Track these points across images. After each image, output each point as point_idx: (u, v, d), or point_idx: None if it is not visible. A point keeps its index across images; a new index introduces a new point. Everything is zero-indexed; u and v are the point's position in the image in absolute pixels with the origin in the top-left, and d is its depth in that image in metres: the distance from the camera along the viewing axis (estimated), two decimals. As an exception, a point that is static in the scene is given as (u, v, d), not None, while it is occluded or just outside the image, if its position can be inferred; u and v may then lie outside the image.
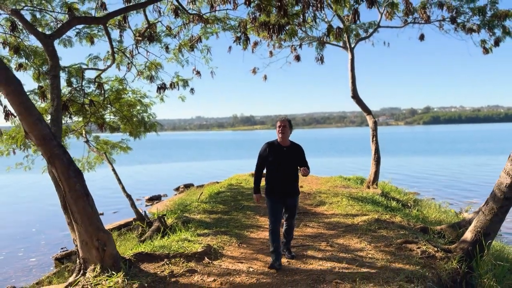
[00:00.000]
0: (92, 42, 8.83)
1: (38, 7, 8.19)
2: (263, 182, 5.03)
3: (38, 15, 8.52)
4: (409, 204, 10.88)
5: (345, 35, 11.68)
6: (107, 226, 6.68)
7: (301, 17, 8.36)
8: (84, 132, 10.30)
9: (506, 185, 4.87)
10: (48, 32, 8.02)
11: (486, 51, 11.44)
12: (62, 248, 10.20)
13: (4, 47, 8.59)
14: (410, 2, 10.96)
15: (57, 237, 11.43)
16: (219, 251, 5.53)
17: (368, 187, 11.94)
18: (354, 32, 12.49)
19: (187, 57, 10.08)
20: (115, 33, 9.22)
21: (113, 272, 4.30)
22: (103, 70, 9.12)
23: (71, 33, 8.41)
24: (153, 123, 10.39)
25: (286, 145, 4.91)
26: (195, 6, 8.69)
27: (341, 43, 12.58)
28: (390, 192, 11.95)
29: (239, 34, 9.09)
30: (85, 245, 4.50)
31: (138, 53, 9.58)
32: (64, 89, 8.82)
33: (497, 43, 11.16)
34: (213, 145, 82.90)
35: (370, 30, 12.45)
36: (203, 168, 32.86)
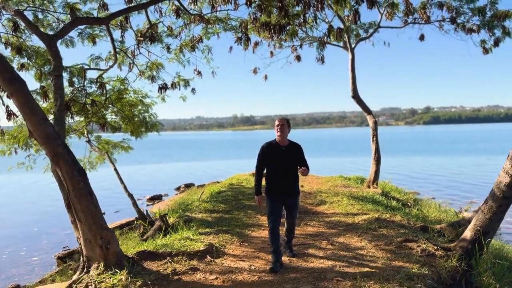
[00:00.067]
0: (94, 43, 8.88)
1: (41, 7, 8.24)
2: (264, 182, 5.04)
3: (40, 16, 8.59)
4: (409, 203, 10.93)
5: (345, 35, 11.73)
6: (109, 226, 6.73)
7: (302, 17, 8.41)
8: (85, 132, 10.35)
9: (505, 184, 4.92)
10: (50, 33, 8.07)
11: (486, 51, 11.49)
12: (64, 247, 10.25)
13: (6, 48, 8.64)
14: (410, 3, 11.01)
15: (59, 236, 11.49)
16: (221, 249, 5.58)
17: (369, 187, 11.99)
18: (354, 33, 12.54)
19: (188, 57, 10.12)
20: (116, 33, 9.27)
21: (117, 270, 4.35)
22: (105, 70, 9.18)
23: (73, 33, 8.47)
24: (154, 123, 10.45)
25: (284, 145, 4.90)
26: (196, 6, 8.73)
27: (341, 43, 12.63)
28: (390, 192, 12.00)
29: (240, 35, 9.14)
30: (89, 243, 4.55)
31: (140, 53, 9.63)
32: (66, 89, 8.87)
33: (496, 43, 11.20)
34: (213, 145, 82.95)
35: (371, 30, 12.51)
36: (203, 168, 32.92)
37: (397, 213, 7.70)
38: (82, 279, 4.42)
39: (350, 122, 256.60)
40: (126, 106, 10.00)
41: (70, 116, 9.19)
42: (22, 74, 9.69)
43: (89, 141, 10.41)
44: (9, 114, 8.40)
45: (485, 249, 5.05)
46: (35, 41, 8.91)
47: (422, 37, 12.18)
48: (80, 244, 4.81)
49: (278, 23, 8.11)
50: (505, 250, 6.59)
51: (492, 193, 5.10)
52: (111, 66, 9.08)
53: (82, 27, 8.56)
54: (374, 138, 12.24)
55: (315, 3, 7.50)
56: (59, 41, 7.75)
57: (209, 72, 10.32)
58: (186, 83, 10.33)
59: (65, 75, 8.88)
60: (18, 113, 8.54)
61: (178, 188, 20.07)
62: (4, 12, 7.36)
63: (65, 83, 8.89)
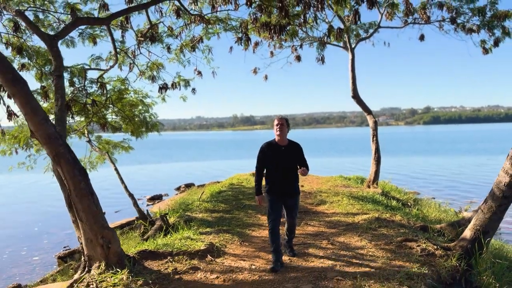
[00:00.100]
0: (95, 43, 8.90)
1: (41, 8, 8.26)
2: (264, 182, 5.03)
3: (41, 16, 8.60)
4: (409, 203, 10.94)
5: (345, 35, 11.75)
6: (109, 225, 6.75)
7: (302, 17, 8.42)
8: (86, 132, 10.37)
9: (504, 184, 4.94)
10: (50, 33, 8.09)
11: (486, 51, 11.51)
12: (64, 247, 10.27)
13: (7, 48, 8.65)
14: (410, 3, 11.02)
15: (59, 236, 11.51)
16: (222, 249, 5.60)
17: (369, 187, 12.01)
18: (354, 33, 12.57)
19: (189, 57, 10.14)
20: (117, 34, 9.28)
21: (118, 269, 4.36)
22: (106, 70, 9.19)
23: (74, 33, 8.48)
24: (154, 123, 10.46)
25: (284, 144, 4.87)
26: (196, 6, 8.75)
27: (341, 44, 12.65)
28: (390, 192, 12.02)
29: (240, 35, 9.15)
30: (90, 243, 4.57)
31: (140, 53, 9.65)
32: (67, 89, 8.89)
33: (496, 43, 11.22)
34: (213, 145, 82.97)
35: (371, 31, 12.53)
36: (203, 168, 32.93)
37: (397, 213, 7.72)
38: (84, 278, 4.43)
39: (350, 122, 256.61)
40: (127, 106, 10.02)
41: (70, 116, 9.21)
42: (23, 74, 9.66)
43: (89, 141, 10.43)
44: (10, 114, 8.42)
45: (484, 249, 5.07)
46: (36, 41, 8.93)
47: (422, 37, 12.20)
48: (81, 243, 4.82)
49: (279, 23, 8.13)
50: (505, 250, 6.61)
51: (491, 192, 5.12)
52: (111, 66, 9.09)
53: (82, 27, 8.58)
54: (374, 138, 12.26)
55: (315, 3, 7.51)
56: (60, 41, 7.78)
57: (210, 72, 10.37)
58: (187, 83, 10.35)
59: (66, 75, 8.90)
60: (18, 113, 8.56)
61: (178, 188, 20.09)
62: (5, 12, 7.39)
63: (66, 83, 8.91)
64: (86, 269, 4.65)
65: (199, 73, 10.52)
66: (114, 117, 10.38)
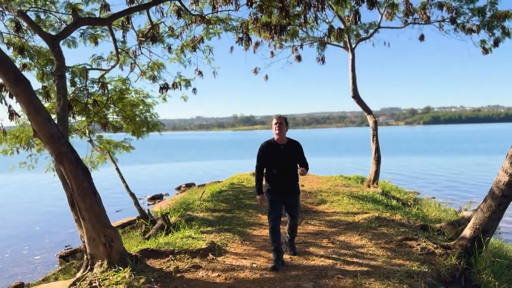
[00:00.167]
0: (96, 43, 8.94)
1: (43, 8, 8.29)
2: (264, 182, 5.03)
3: (42, 16, 8.64)
4: (409, 203, 10.98)
5: (345, 35, 11.79)
6: (111, 224, 6.79)
7: (303, 17, 8.45)
8: (87, 132, 10.41)
9: (504, 183, 4.97)
10: (52, 33, 8.12)
11: (486, 51, 11.54)
12: (66, 246, 10.31)
13: (8, 48, 8.69)
14: (410, 3, 11.08)
15: (60, 236, 11.55)
16: (223, 247, 5.64)
17: (369, 186, 12.05)
18: (354, 33, 12.60)
19: (190, 57, 10.18)
20: (118, 34, 9.31)
21: (120, 268, 4.39)
22: (107, 70, 9.23)
23: (75, 33, 8.52)
24: (155, 123, 10.50)
25: (283, 143, 4.85)
26: (197, 7, 8.79)
27: (342, 44, 12.70)
28: (390, 191, 12.05)
29: (241, 35, 9.19)
30: (93, 242, 4.60)
31: (141, 53, 9.70)
32: (68, 89, 8.92)
33: (496, 43, 11.25)
34: (213, 145, 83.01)
35: (371, 31, 12.57)
36: (204, 168, 32.97)
37: (397, 212, 7.76)
38: (86, 277, 4.46)
39: (350, 122, 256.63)
40: (128, 106, 10.05)
41: (72, 116, 9.24)
42: (24, 74, 9.74)
43: (90, 141, 10.47)
44: (11, 114, 8.46)
45: (484, 248, 5.09)
46: (37, 41, 8.98)
47: (422, 37, 12.24)
48: (84, 242, 4.85)
49: (279, 23, 8.16)
50: (505, 249, 6.63)
51: (491, 192, 5.15)
52: (113, 66, 9.12)
53: (84, 27, 8.62)
54: (374, 138, 12.30)
55: (316, 3, 7.55)
56: (62, 41, 7.82)
57: (210, 72, 10.39)
58: (187, 83, 10.39)
59: (67, 75, 8.93)
60: (20, 113, 8.61)
61: (178, 188, 20.13)
62: (7, 12, 7.43)
63: (67, 83, 8.95)
64: (89, 267, 4.68)
65: (200, 73, 10.56)
66: (115, 117, 10.42)
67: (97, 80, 9.29)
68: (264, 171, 4.94)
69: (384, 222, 6.78)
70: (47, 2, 8.31)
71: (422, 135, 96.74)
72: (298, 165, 4.91)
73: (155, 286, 4.16)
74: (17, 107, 11.66)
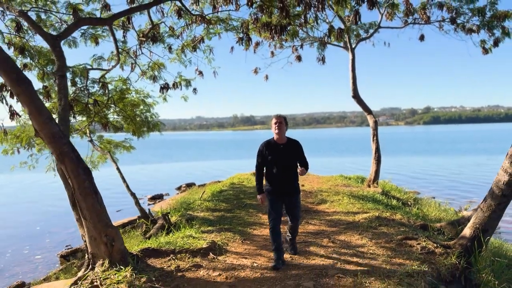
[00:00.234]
0: (97, 43, 8.95)
1: (44, 8, 8.31)
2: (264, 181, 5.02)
3: (43, 16, 8.65)
4: (409, 202, 10.99)
5: (346, 35, 11.80)
6: (112, 224, 6.81)
7: (303, 18, 8.46)
8: (88, 132, 10.42)
9: (504, 183, 4.98)
10: (52, 33, 8.14)
11: (486, 51, 11.55)
12: (67, 246, 10.33)
13: (9, 48, 8.70)
14: (410, 3, 11.08)
15: (61, 235, 11.57)
16: (224, 247, 5.65)
17: (369, 186, 12.06)
18: (355, 33, 12.62)
19: (190, 57, 10.18)
20: (118, 34, 9.32)
21: (121, 267, 4.41)
22: (108, 70, 9.24)
23: (76, 33, 8.52)
24: (156, 123, 10.50)
25: (283, 142, 4.84)
26: (198, 7, 8.80)
27: (342, 44, 12.72)
28: (390, 191, 12.07)
29: (241, 35, 9.19)
30: (94, 241, 4.62)
31: (142, 53, 9.71)
32: (69, 89, 8.92)
33: (496, 43, 11.26)
34: (213, 145, 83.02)
35: (371, 31, 12.58)
36: (204, 168, 32.98)
37: (397, 212, 7.78)
38: (87, 276, 4.48)
39: (350, 122, 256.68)
40: (128, 106, 10.05)
41: (72, 115, 9.25)
42: (25, 74, 9.75)
43: (91, 141, 10.48)
44: (12, 114, 8.47)
45: (484, 247, 5.11)
46: (38, 41, 8.97)
47: (422, 37, 12.25)
48: (85, 241, 4.87)
49: (279, 23, 8.17)
50: (504, 248, 6.65)
51: (491, 191, 5.16)
52: (113, 66, 9.13)
53: (85, 27, 8.63)
54: (375, 138, 12.32)
55: (316, 3, 7.56)
56: (62, 41, 7.83)
57: (211, 72, 10.38)
58: (188, 83, 10.39)
59: (68, 75, 8.94)
60: (21, 112, 8.63)
61: (179, 188, 20.15)
62: (8, 12, 7.44)
63: (68, 83, 8.95)
64: (90, 266, 4.70)
65: (200, 73, 10.57)
66: (115, 116, 10.41)
67: (98, 80, 9.30)
68: (264, 171, 4.94)
69: (384, 222, 6.80)
70: (48, 2, 8.31)
71: (422, 135, 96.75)
72: (298, 164, 4.89)
73: (156, 285, 4.18)
74: (17, 107, 11.67)
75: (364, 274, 4.38)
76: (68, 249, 9.71)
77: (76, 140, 10.76)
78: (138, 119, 10.26)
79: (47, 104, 9.14)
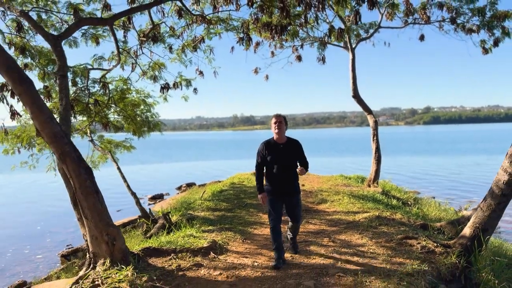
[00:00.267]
0: (98, 43, 8.96)
1: (44, 8, 8.32)
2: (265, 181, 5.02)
3: (44, 16, 8.67)
4: (409, 202, 11.00)
5: (346, 35, 11.81)
6: (113, 223, 6.82)
7: (303, 18, 8.46)
8: (88, 131, 10.44)
9: (503, 182, 5.00)
10: (53, 33, 8.15)
11: (486, 51, 11.56)
12: (67, 245, 10.35)
13: (10, 48, 8.72)
14: (410, 3, 11.11)
15: (61, 235, 11.60)
16: (224, 246, 5.67)
17: (369, 186, 12.08)
18: (355, 33, 12.63)
19: (190, 57, 10.18)
20: (119, 34, 9.33)
21: (123, 266, 4.42)
22: (109, 70, 9.25)
23: (76, 33, 8.54)
24: (156, 123, 10.52)
25: (282, 142, 4.83)
26: (198, 7, 8.81)
27: (342, 44, 12.73)
28: (390, 191, 12.08)
29: (241, 35, 9.20)
30: (95, 240, 4.64)
31: (142, 53, 9.70)
32: (69, 89, 8.93)
33: (496, 43, 11.28)
34: (213, 145, 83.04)
35: (371, 31, 12.59)
36: (204, 168, 33.00)
37: (397, 211, 7.79)
38: (89, 275, 4.49)
39: (350, 122, 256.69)
40: (129, 106, 10.07)
41: (73, 115, 9.26)
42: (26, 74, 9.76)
43: (92, 141, 10.50)
44: (13, 114, 8.49)
45: (484, 246, 5.12)
46: (39, 41, 8.99)
47: (422, 37, 12.27)
48: (87, 240, 4.89)
49: (280, 23, 8.19)
50: (504, 248, 6.66)
51: (490, 191, 5.18)
52: (114, 66, 9.14)
53: (85, 27, 8.64)
54: (375, 138, 12.33)
55: (316, 3, 7.57)
56: (63, 41, 7.85)
57: (211, 72, 10.38)
58: (188, 83, 10.40)
59: (69, 75, 8.95)
60: (21, 112, 8.64)
61: (179, 188, 20.17)
62: (9, 12, 7.46)
63: (69, 83, 8.96)
64: (91, 265, 4.71)
65: (201, 73, 10.56)
66: (116, 116, 10.43)
67: (99, 80, 9.31)
68: (265, 171, 4.94)
69: (385, 221, 6.82)
70: (49, 2, 8.33)
71: (422, 135, 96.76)
72: (298, 164, 4.89)
73: (158, 284, 4.19)
74: (18, 107, 11.69)
75: (364, 273, 4.39)
76: (69, 248, 9.73)
77: (77, 140, 10.77)
78: (138, 119, 10.28)
79: (47, 104, 9.15)
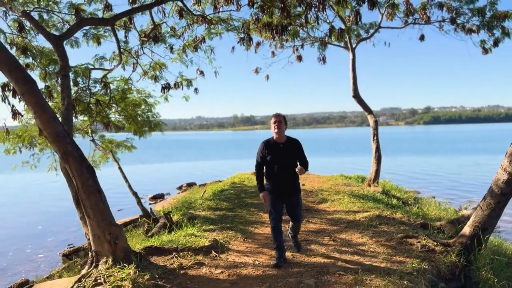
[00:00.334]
0: (99, 43, 8.99)
1: (46, 8, 8.35)
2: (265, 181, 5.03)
3: (45, 16, 8.70)
4: (409, 201, 11.03)
5: (346, 35, 11.84)
6: (114, 223, 6.84)
7: (304, 18, 8.49)
8: (89, 131, 10.47)
9: (503, 181, 5.03)
10: (54, 33, 8.18)
11: (486, 51, 11.59)
12: (69, 245, 10.39)
13: (11, 48, 8.74)
14: (410, 3, 11.12)
15: (63, 235, 11.63)
16: (225, 245, 5.71)
17: (369, 185, 12.10)
18: (355, 33, 12.65)
19: (191, 57, 10.19)
20: (120, 34, 9.36)
21: (125, 265, 4.45)
22: (110, 70, 9.28)
23: (78, 34, 8.56)
24: (157, 122, 10.55)
25: (282, 141, 4.84)
26: (199, 7, 8.83)
27: (342, 44, 12.76)
28: (390, 190, 12.11)
29: (242, 35, 9.23)
30: (97, 239, 4.67)
31: (143, 53, 9.72)
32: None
33: (496, 43, 11.30)
34: (213, 145, 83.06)
35: (371, 31, 12.62)
36: (204, 168, 33.03)
37: (397, 211, 7.82)
38: (91, 273, 4.52)
39: (351, 122, 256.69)
40: (130, 106, 10.10)
41: (74, 115, 9.29)
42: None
43: (93, 140, 10.53)
44: (15, 114, 8.52)
45: (483, 245, 5.16)
46: (40, 41, 9.01)
47: (422, 38, 12.30)
48: (89, 239, 4.92)
49: (280, 23, 8.21)
50: (504, 247, 6.69)
51: (490, 190, 5.21)
52: (115, 66, 9.18)
53: (87, 27, 8.67)
54: (375, 137, 12.36)
55: (317, 4, 7.59)
56: (65, 41, 7.87)
57: (212, 72, 10.39)
58: (189, 83, 10.43)
59: (70, 75, 8.98)
60: (23, 112, 8.67)
61: (180, 187, 20.20)
62: (11, 13, 7.49)
63: (70, 83, 8.99)
64: (94, 264, 4.74)
65: (201, 73, 10.59)
66: (117, 116, 10.46)
67: (100, 80, 9.35)
68: (265, 170, 4.95)
69: (385, 220, 6.85)
70: (50, 3, 8.36)
71: (422, 135, 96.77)
72: (298, 163, 4.89)
73: (160, 282, 4.23)
74: (20, 107, 11.71)
75: (364, 272, 4.42)
76: (70, 248, 9.77)
77: (78, 140, 10.79)
78: (139, 118, 10.31)
79: (49, 104, 9.18)
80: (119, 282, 4.15)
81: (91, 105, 9.34)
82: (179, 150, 64.86)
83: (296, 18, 8.75)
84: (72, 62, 10.00)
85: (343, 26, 11.20)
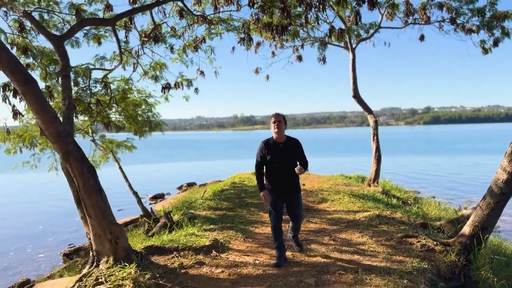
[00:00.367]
0: (99, 43, 9.00)
1: (47, 8, 8.37)
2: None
3: (46, 16, 8.72)
4: (409, 201, 11.04)
5: (346, 35, 11.85)
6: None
7: (304, 18, 8.51)
8: (90, 131, 10.49)
9: (502, 181, 5.05)
10: (55, 33, 8.19)
11: (486, 51, 11.60)
12: (69, 244, 10.41)
13: (12, 48, 8.75)
14: (410, 3, 11.15)
15: (63, 234, 11.64)
16: (226, 245, 5.73)
17: (369, 185, 12.12)
18: (355, 33, 12.67)
19: (191, 57, 10.21)
20: (121, 34, 9.38)
21: (126, 264, 4.47)
22: (110, 70, 9.30)
23: (79, 34, 8.57)
24: (158, 122, 10.57)
25: (282, 141, 4.85)
26: (199, 7, 8.85)
27: (342, 44, 12.78)
28: (390, 190, 12.12)
29: (242, 35, 9.25)
30: (98, 238, 4.69)
31: (144, 53, 9.74)
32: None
33: (496, 43, 11.31)
34: (213, 145, 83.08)
35: (371, 31, 12.63)
36: (204, 168, 33.04)
37: (397, 211, 7.84)
38: (92, 273, 4.54)
39: (350, 122, 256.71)
40: (130, 106, 10.11)
41: (75, 115, 9.31)
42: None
43: (93, 140, 10.55)
44: (15, 114, 8.53)
45: (483, 245, 5.17)
46: (41, 42, 9.03)
47: (422, 38, 12.30)
48: (90, 239, 4.94)
49: (280, 23, 8.23)
50: (503, 247, 6.71)
51: (490, 189, 5.23)
52: (116, 66, 9.20)
53: (87, 27, 8.69)
54: (375, 137, 12.38)
55: (317, 4, 7.61)
56: (66, 41, 7.89)
57: (212, 72, 10.39)
58: (189, 83, 10.44)
59: (71, 75, 8.99)
60: (24, 112, 8.69)
61: (180, 187, 20.22)
62: (11, 13, 7.51)
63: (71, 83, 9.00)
64: (95, 263, 4.76)
65: (202, 73, 10.61)
66: (117, 116, 10.48)
67: (100, 80, 9.36)
68: (264, 170, 4.96)
69: (385, 220, 6.87)
70: (51, 3, 8.38)
71: (422, 135, 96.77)
72: (298, 162, 4.90)
73: (160, 281, 4.24)
74: (20, 107, 11.73)
75: (364, 271, 4.44)
76: (71, 247, 9.78)
77: (79, 140, 10.79)
78: (140, 118, 10.33)
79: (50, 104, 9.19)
80: (120, 281, 4.17)
81: (91, 105, 9.36)
82: (179, 150, 64.86)
83: (296, 18, 8.76)
84: (72, 62, 10.00)
85: (343, 26, 11.22)
